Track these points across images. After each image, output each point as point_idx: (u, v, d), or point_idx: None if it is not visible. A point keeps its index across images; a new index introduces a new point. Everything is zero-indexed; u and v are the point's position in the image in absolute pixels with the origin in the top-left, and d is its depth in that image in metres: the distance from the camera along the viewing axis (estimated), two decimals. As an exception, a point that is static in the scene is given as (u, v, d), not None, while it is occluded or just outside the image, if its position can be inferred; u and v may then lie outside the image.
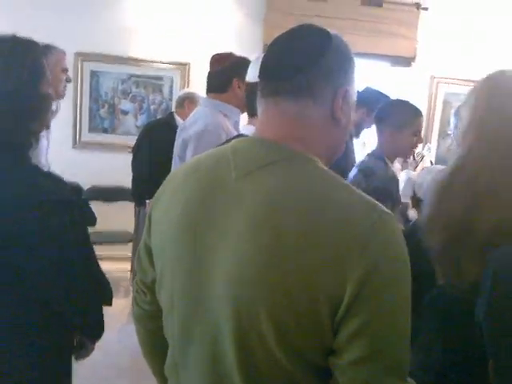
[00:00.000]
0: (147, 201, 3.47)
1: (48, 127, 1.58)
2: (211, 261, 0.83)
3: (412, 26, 5.02)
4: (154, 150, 3.47)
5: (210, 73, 2.41)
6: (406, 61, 5.09)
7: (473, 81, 2.71)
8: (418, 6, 4.98)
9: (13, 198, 1.28)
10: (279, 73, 0.87)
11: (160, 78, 4.82)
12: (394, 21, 4.96)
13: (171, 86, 4.90)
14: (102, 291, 1.53)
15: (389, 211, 0.80)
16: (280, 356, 0.77)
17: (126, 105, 4.85)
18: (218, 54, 2.42)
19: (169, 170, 3.25)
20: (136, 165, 3.72)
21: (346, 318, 0.74)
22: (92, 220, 1.56)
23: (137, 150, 3.74)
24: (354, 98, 0.93)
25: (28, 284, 1.33)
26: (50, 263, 1.33)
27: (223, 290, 0.80)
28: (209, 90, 2.41)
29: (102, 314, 1.50)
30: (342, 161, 2.57)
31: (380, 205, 0.81)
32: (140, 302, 1.09)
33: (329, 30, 0.90)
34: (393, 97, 3.08)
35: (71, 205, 1.43)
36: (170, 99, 4.89)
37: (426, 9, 4.99)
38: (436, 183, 1.31)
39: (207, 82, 2.41)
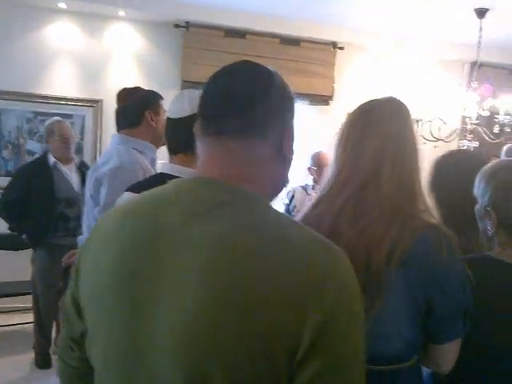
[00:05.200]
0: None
1: None
2: (153, 312, 0.75)
3: (329, 65, 5.10)
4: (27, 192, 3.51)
5: (118, 108, 2.23)
6: (324, 99, 5.13)
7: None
8: (334, 45, 5.08)
9: None
10: (226, 111, 0.82)
11: (70, 116, 4.50)
12: (312, 59, 5.03)
13: (82, 125, 4.61)
14: None
15: (340, 249, 0.78)
16: None
17: (32, 145, 4.49)
18: (125, 89, 2.26)
19: (45, 210, 3.40)
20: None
21: (302, 364, 0.70)
22: None
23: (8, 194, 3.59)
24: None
25: None
26: None
27: (167, 342, 0.72)
28: (120, 127, 2.22)
29: None
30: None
31: (332, 243, 0.78)
32: (67, 358, 0.99)
33: (267, 66, 0.88)
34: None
35: None
36: (82, 139, 4.61)
37: (342, 48, 5.09)
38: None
39: (116, 118, 2.23)
